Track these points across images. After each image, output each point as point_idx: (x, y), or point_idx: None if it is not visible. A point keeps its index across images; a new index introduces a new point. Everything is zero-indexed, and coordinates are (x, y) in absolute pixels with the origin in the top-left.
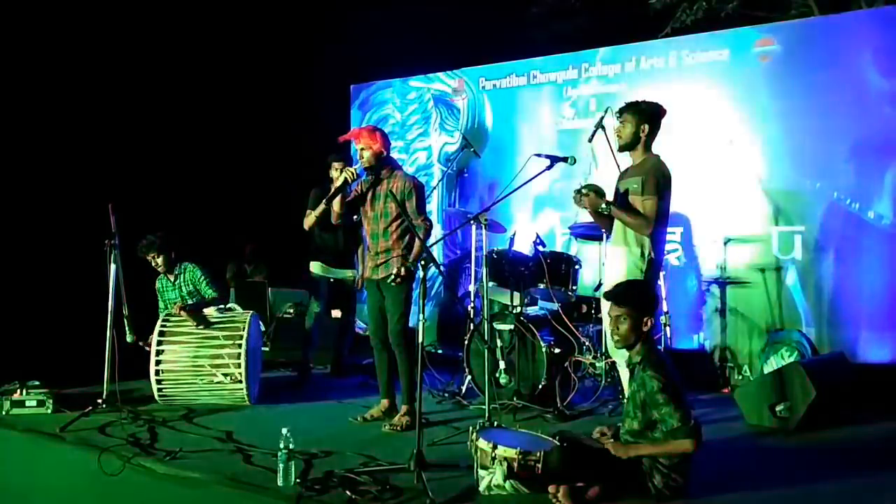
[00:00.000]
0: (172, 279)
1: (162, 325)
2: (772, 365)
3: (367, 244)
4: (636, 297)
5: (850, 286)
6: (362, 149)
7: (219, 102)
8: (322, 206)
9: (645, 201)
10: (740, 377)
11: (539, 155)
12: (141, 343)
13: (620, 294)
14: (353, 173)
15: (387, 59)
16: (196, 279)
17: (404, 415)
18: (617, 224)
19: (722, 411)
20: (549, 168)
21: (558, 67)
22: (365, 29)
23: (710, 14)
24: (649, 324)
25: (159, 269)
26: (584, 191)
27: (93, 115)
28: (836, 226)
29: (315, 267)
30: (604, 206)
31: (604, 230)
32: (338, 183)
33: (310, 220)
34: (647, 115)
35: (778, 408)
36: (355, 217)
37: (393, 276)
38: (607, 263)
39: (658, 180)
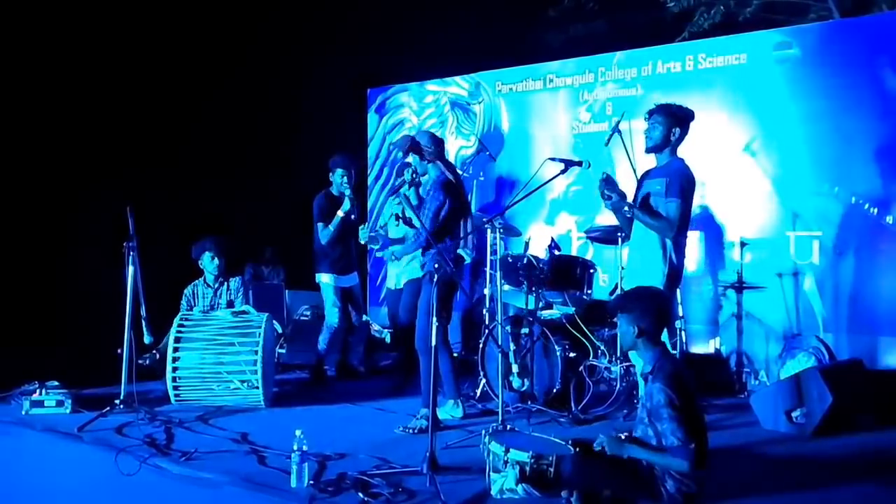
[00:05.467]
0: (215, 287)
1: (178, 331)
2: (789, 370)
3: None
4: (629, 302)
5: (869, 291)
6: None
7: (238, 105)
8: (339, 216)
9: (668, 204)
10: (757, 382)
11: (553, 159)
12: (156, 354)
13: (619, 301)
14: (411, 171)
15: (403, 64)
16: (235, 290)
17: (421, 417)
18: (638, 227)
19: (738, 416)
20: (563, 172)
21: (574, 71)
22: (382, 33)
23: (729, 18)
24: (637, 330)
25: (209, 271)
26: (606, 192)
27: (113, 118)
28: (854, 230)
29: (325, 277)
30: (626, 208)
31: (620, 234)
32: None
33: (328, 233)
34: (678, 119)
35: (794, 413)
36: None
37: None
38: (627, 267)
39: (683, 183)
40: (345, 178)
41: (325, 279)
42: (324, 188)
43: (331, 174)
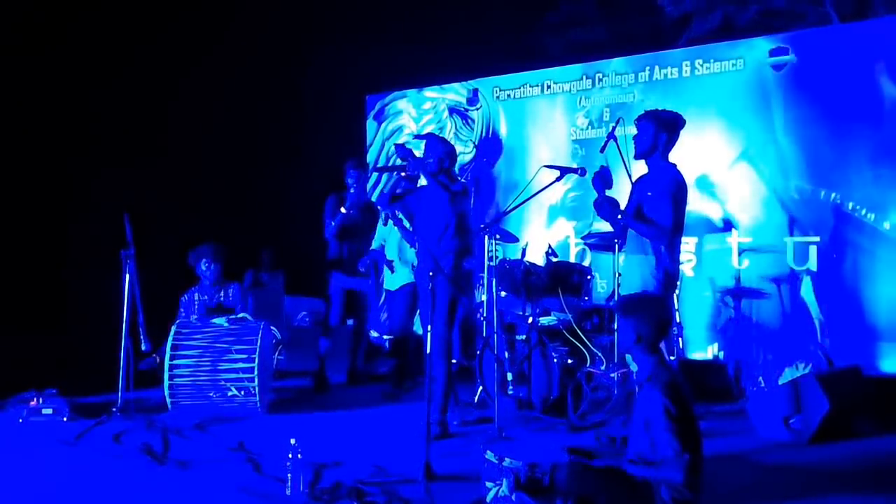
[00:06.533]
0: (211, 293)
1: (175, 339)
2: (786, 376)
3: (426, 249)
4: (629, 307)
5: (866, 297)
6: (429, 153)
7: (237, 112)
8: (341, 212)
9: (660, 211)
10: (754, 388)
11: (549, 166)
12: (156, 358)
13: (620, 305)
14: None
15: (402, 70)
16: (234, 298)
17: (435, 424)
18: (632, 233)
19: (735, 423)
20: (559, 179)
21: (572, 77)
22: (380, 40)
23: (726, 24)
24: (636, 336)
25: (206, 279)
26: (598, 200)
27: (110, 126)
28: (851, 236)
29: (334, 278)
30: (619, 216)
31: (617, 240)
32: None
33: (330, 232)
34: (665, 124)
35: (791, 420)
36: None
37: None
38: (623, 273)
39: (673, 190)
40: (353, 179)
41: (331, 278)
42: (332, 191)
43: (345, 176)
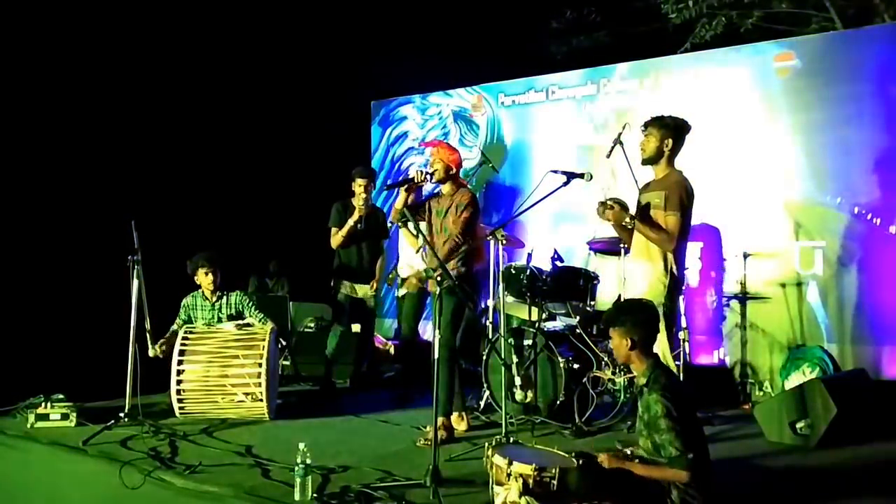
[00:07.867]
0: (212, 300)
1: (182, 343)
2: (793, 381)
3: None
4: (615, 318)
5: (873, 302)
6: (436, 160)
7: (242, 119)
8: (349, 224)
9: (667, 216)
10: (761, 393)
11: (555, 171)
12: (159, 352)
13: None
14: (422, 174)
15: (407, 76)
16: (243, 305)
17: (439, 428)
18: (639, 239)
19: (742, 428)
20: (565, 184)
21: (577, 83)
22: (385, 46)
23: (730, 29)
24: (630, 342)
25: (205, 286)
26: (608, 202)
27: (117, 132)
28: (857, 241)
29: (343, 286)
30: (628, 220)
31: (623, 245)
32: (413, 177)
33: (337, 239)
34: (671, 130)
35: (798, 425)
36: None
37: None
38: (629, 278)
39: (681, 196)
40: (361, 188)
41: (338, 285)
42: (337, 199)
43: (353, 184)
